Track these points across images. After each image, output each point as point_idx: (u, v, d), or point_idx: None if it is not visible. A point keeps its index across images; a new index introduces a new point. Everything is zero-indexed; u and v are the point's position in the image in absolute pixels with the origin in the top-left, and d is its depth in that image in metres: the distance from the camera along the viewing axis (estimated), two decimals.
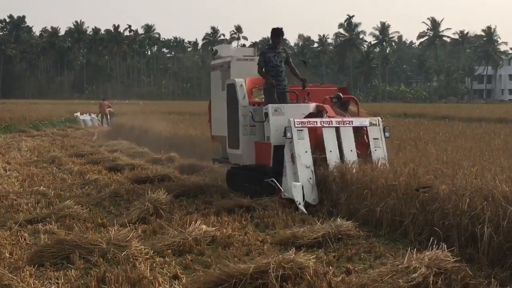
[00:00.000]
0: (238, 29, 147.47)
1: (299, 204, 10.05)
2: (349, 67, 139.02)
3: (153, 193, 10.34)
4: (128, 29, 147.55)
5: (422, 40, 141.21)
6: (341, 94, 12.47)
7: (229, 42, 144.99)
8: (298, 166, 10.39)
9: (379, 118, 11.56)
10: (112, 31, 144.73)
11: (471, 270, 6.40)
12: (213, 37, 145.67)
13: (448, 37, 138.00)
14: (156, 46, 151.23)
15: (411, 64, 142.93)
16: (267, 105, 11.36)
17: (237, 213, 9.89)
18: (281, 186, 10.55)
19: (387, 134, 11.44)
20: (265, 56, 11.93)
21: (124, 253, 7.23)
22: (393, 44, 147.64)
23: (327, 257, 7.35)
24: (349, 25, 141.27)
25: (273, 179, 10.68)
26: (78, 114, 43.39)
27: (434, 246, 6.75)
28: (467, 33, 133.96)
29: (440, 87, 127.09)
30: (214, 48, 14.05)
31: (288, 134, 10.50)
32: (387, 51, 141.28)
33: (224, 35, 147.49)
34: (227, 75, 12.66)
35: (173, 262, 7.17)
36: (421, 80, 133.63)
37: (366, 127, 11.35)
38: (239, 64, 12.69)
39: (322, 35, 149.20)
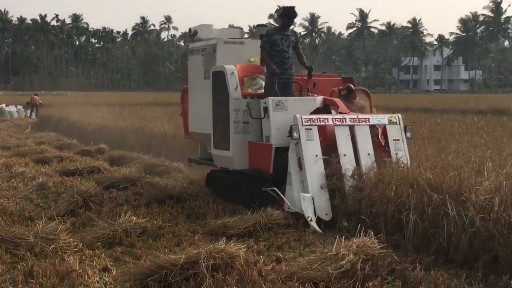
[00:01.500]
0: (168, 19, 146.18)
1: (311, 220, 8.34)
2: None
3: (82, 185, 10.21)
4: (55, 19, 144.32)
5: (350, 31, 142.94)
6: (352, 86, 10.74)
7: (158, 32, 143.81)
8: (307, 173, 8.66)
9: (399, 116, 9.78)
10: (39, 20, 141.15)
11: (397, 256, 6.58)
12: (142, 27, 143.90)
13: (375, 28, 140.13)
14: (84, 36, 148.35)
15: (340, 55, 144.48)
16: (266, 98, 9.49)
17: (168, 204, 9.86)
18: (284, 196, 8.88)
19: (408, 134, 9.71)
20: (271, 38, 9.94)
21: (52, 246, 7.13)
22: (323, 35, 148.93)
23: (258, 246, 7.43)
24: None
25: (275, 188, 9.01)
26: (3, 106, 42.20)
27: (362, 233, 6.88)
28: (394, 24, 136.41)
29: (368, 78, 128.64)
30: (192, 28, 11.53)
31: (295, 134, 8.77)
32: (317, 41, 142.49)
33: (154, 25, 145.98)
34: (212, 61, 10.60)
35: (103, 254, 7.11)
36: (349, 70, 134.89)
37: (384, 125, 9.59)
38: (227, 48, 10.59)
39: (252, 26, 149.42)
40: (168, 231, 8.22)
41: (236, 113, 9.80)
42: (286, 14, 10.09)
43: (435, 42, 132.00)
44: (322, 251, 6.44)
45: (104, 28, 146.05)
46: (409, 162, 9.14)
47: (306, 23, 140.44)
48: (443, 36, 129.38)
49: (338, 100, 9.87)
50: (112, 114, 26.27)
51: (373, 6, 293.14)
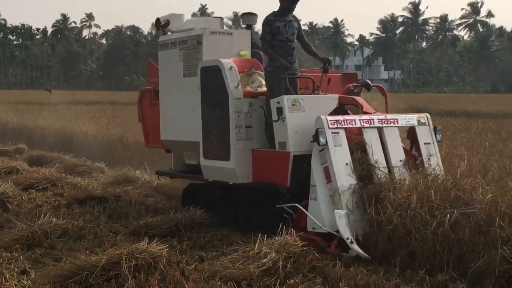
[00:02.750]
0: (90, 16, 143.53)
1: (351, 242, 6.95)
2: None
3: (0, 187, 9.92)
4: None
5: None
6: (369, 82, 9.55)
7: (79, 30, 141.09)
8: (338, 185, 7.33)
9: (428, 115, 8.59)
10: None
11: (318, 254, 6.69)
12: (63, 24, 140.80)
13: None
14: (1, 33, 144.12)
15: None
16: (281, 96, 8.03)
17: (89, 205, 9.70)
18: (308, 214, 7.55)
19: (439, 136, 8.55)
20: (272, 26, 8.48)
21: None
22: None
23: (181, 246, 7.43)
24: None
25: (296, 204, 7.66)
26: None
27: (283, 232, 6.97)
28: (316, 24, 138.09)
29: None
30: (161, 18, 9.94)
31: (322, 139, 7.39)
32: None
33: (75, 22, 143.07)
34: (196, 55, 9.10)
35: (21, 257, 6.94)
36: None
37: (413, 126, 8.41)
38: (214, 40, 9.10)
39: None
40: (90, 232, 8.09)
41: (238, 115, 8.31)
42: None
43: (356, 43, 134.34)
44: (244, 249, 6.50)
45: (23, 25, 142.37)
46: (442, 168, 8.14)
47: (230, 22, 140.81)
48: (364, 36, 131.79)
49: (359, 98, 8.62)
50: (31, 113, 25.69)
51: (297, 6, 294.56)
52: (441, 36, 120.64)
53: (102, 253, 6.54)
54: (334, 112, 8.16)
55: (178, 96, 9.53)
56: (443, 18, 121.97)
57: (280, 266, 6.07)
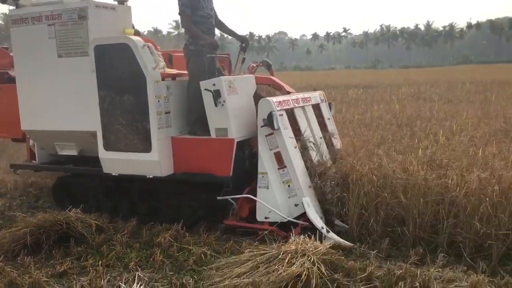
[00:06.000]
0: None
1: (328, 231, 6.62)
2: None
3: None
4: None
5: None
6: (269, 61, 9.22)
7: None
8: (296, 171, 6.99)
9: (323, 93, 8.64)
10: None
11: None
12: None
13: None
14: None
15: None
16: (218, 78, 7.30)
17: None
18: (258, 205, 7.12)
19: (332, 111, 8.63)
20: (192, 1, 7.67)
21: None
22: None
23: None
24: None
25: (250, 195, 7.16)
26: None
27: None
28: None
29: None
30: None
31: (276, 123, 6.96)
32: None
33: None
34: (76, 31, 7.81)
35: None
36: None
37: (319, 103, 8.32)
38: (100, 14, 7.87)
39: None
40: None
41: (158, 100, 7.36)
42: None
43: None
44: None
45: None
46: (340, 142, 8.42)
47: None
48: None
49: (275, 79, 8.55)
50: None
51: None
52: None
53: None
54: (254, 94, 7.87)
55: (48, 80, 8.16)
56: None
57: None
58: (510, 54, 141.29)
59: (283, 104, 7.27)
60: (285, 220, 6.83)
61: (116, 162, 7.78)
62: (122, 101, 7.49)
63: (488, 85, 31.72)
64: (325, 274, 5.39)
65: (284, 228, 6.85)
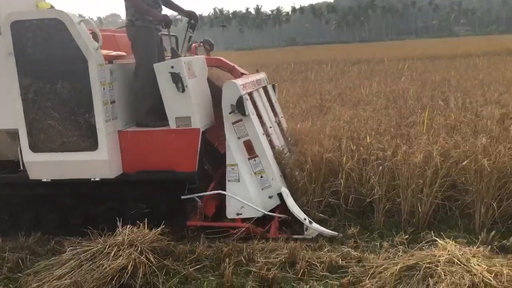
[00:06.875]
0: None
1: (311, 222, 6.29)
2: None
3: None
4: None
5: None
6: (211, 41, 8.34)
7: None
8: (270, 160, 6.46)
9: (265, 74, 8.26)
10: None
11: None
12: None
13: None
14: None
15: None
16: (177, 59, 6.28)
17: None
18: (228, 200, 6.51)
19: (276, 94, 8.31)
20: None
21: None
22: None
23: None
24: None
25: (224, 192, 6.50)
26: None
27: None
28: None
29: None
30: None
31: (246, 109, 6.32)
32: None
33: None
34: None
35: None
36: None
37: (266, 86, 7.94)
38: None
39: None
40: None
41: (104, 88, 6.12)
42: None
43: None
44: None
45: None
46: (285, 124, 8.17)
47: None
48: None
49: (224, 59, 7.84)
50: None
51: None
52: None
53: None
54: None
55: None
56: None
57: None
58: (329, 36, 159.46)
59: (246, 88, 6.65)
60: (261, 215, 6.35)
61: (48, 165, 6.39)
62: (54, 90, 6.14)
63: (310, 64, 33.87)
64: (154, 262, 5.36)
65: (257, 223, 6.41)
